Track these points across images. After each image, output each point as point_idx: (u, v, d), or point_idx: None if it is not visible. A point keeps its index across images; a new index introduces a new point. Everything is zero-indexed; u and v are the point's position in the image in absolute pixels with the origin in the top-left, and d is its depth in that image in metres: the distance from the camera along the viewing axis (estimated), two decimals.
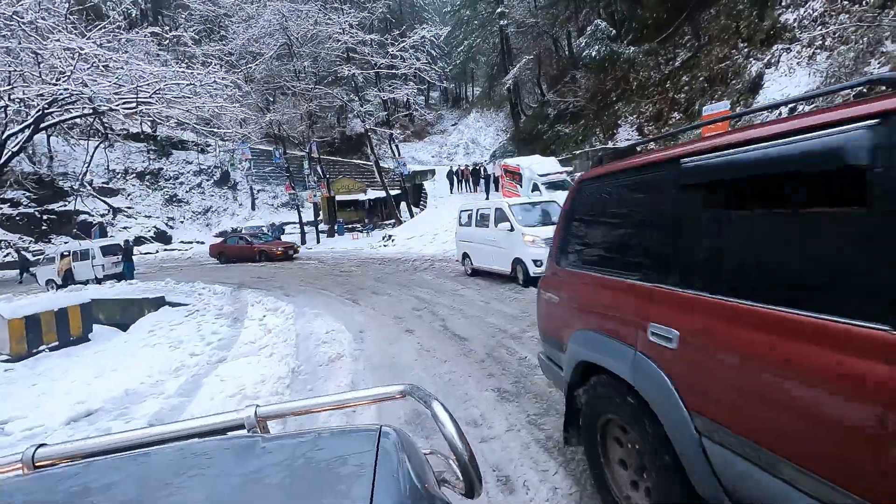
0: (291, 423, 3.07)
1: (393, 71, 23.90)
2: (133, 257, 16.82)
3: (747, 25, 19.14)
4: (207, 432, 0.97)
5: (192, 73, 10.79)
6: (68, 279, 16.79)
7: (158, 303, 12.08)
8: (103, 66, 9.27)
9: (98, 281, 16.65)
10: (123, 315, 12.52)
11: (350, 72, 21.99)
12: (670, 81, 22.98)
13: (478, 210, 11.01)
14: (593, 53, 22.19)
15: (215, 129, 15.50)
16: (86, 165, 16.70)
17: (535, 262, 8.87)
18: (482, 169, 28.15)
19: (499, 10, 29.32)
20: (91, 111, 10.49)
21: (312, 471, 0.78)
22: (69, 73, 8.70)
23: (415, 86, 23.20)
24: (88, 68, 9.29)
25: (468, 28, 33.14)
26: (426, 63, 24.52)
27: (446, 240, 18.93)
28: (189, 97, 11.69)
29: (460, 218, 11.87)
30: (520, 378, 4.42)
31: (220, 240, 23.00)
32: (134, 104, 10.41)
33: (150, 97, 10.72)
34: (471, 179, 27.44)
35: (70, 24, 11.07)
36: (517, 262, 9.28)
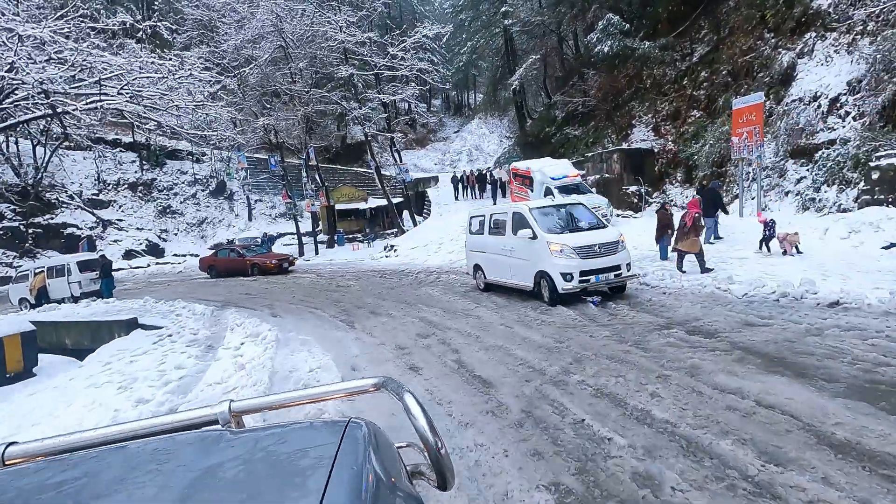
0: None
1: (393, 73, 22.63)
2: (113, 273, 15.42)
3: (774, 14, 17.77)
4: (181, 428, 0.96)
5: (162, 63, 9.43)
6: (42, 297, 15.40)
7: (130, 325, 10.68)
8: (55, 53, 7.93)
9: (74, 299, 15.26)
10: (92, 339, 11.12)
11: (348, 72, 20.71)
12: (688, 78, 21.62)
13: (492, 216, 9.57)
14: (606, 49, 20.86)
15: (206, 133, 14.19)
16: (42, 170, 15.32)
17: (564, 275, 7.40)
18: (488, 174, 26.78)
19: (503, 9, 28.13)
20: (49, 110, 9.12)
21: (271, 464, 0.76)
22: (11, 61, 7.36)
23: (416, 87, 21.85)
24: (36, 54, 7.96)
25: (471, 29, 31.96)
26: (428, 63, 23.24)
27: (452, 249, 17.50)
28: (164, 93, 10.35)
29: (470, 225, 10.43)
30: (585, 463, 2.92)
31: (212, 252, 21.58)
32: (96, 99, 9.05)
33: (118, 92, 9.37)
34: (476, 185, 26.05)
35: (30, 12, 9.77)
36: (542, 275, 7.81)
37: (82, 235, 26.21)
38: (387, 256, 19.84)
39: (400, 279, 13.75)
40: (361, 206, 30.96)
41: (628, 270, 7.82)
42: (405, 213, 27.39)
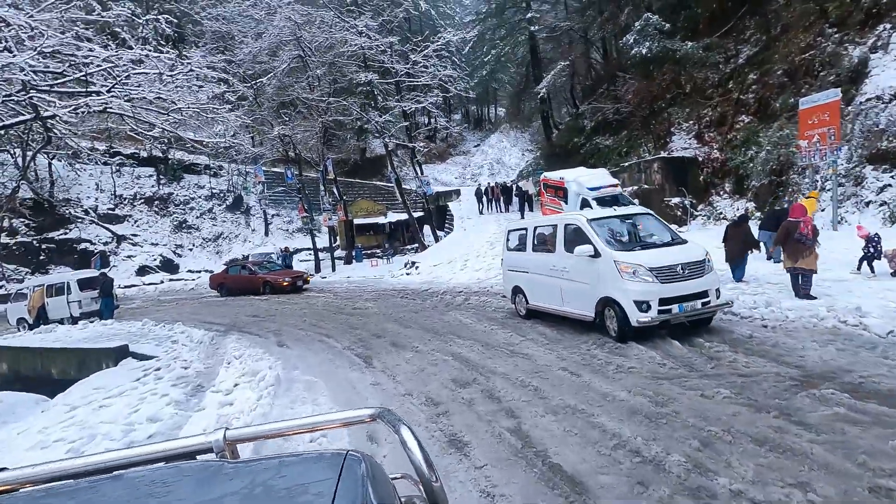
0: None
1: (414, 81, 21.46)
2: (114, 292, 14.29)
3: (837, 7, 16.05)
4: (175, 456, 0.94)
5: (158, 57, 8.25)
6: (41, 318, 14.35)
7: (120, 354, 9.41)
8: (27, 37, 6.79)
9: (73, 320, 14.17)
10: (79, 368, 9.86)
11: (368, 78, 19.59)
12: (734, 81, 19.89)
13: (536, 229, 8.02)
14: (644, 51, 19.32)
15: (215, 140, 13.06)
16: (20, 177, 14.41)
17: (638, 304, 5.79)
18: (514, 186, 25.28)
19: (529, 15, 26.92)
20: (32, 112, 7.99)
21: (271, 500, 0.75)
22: None
23: (439, 93, 20.61)
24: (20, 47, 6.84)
25: (495, 37, 30.81)
26: (452, 69, 22.04)
27: (479, 267, 15.98)
28: (161, 92, 9.17)
29: (508, 240, 8.89)
30: None
31: (222, 269, 20.43)
32: (83, 97, 7.89)
33: (108, 90, 8.21)
34: (502, 198, 24.55)
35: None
36: (606, 303, 6.20)
37: (95, 251, 25.50)
38: (407, 274, 18.40)
39: (423, 300, 12.24)
40: (380, 220, 29.72)
41: (718, 297, 6.16)
42: (426, 228, 26.01)
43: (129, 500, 0.78)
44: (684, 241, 6.57)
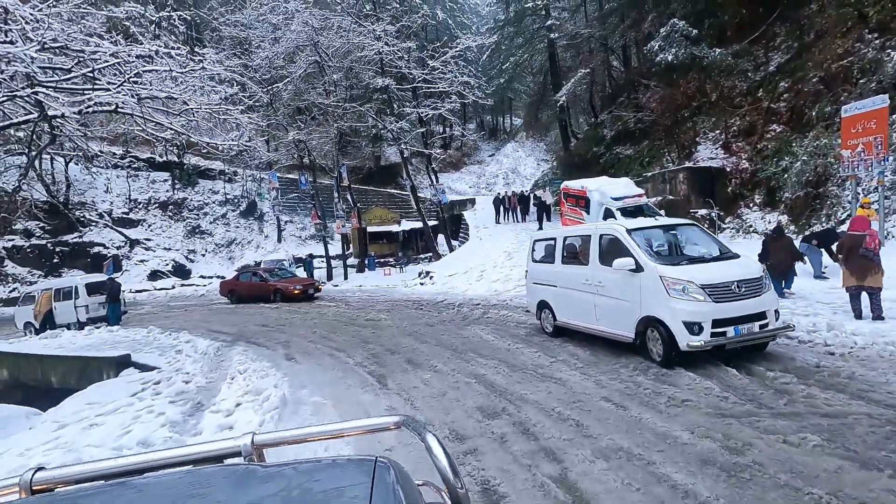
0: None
1: (431, 88, 21.07)
2: (121, 297, 13.93)
3: (879, 11, 15.27)
4: (204, 459, 0.97)
5: (168, 54, 7.85)
6: (47, 322, 14.05)
7: (121, 364, 8.97)
8: (31, 30, 6.42)
9: (80, 325, 13.83)
10: (80, 377, 9.43)
11: (385, 82, 19.22)
12: (763, 89, 19.13)
13: (566, 239, 7.38)
14: (669, 58, 18.67)
15: (227, 143, 12.76)
16: (21, 177, 14.21)
17: (689, 325, 5.12)
18: (531, 195, 24.65)
19: (549, 22, 26.46)
20: (37, 110, 7.64)
21: (309, 503, 0.77)
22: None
23: (457, 99, 20.14)
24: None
25: (512, 44, 30.39)
26: (470, 75, 21.61)
27: (497, 278, 15.35)
28: (174, 93, 8.80)
29: (534, 251, 8.27)
30: None
31: (233, 276, 20.06)
32: (88, 93, 7.52)
33: (116, 88, 7.84)
34: (519, 208, 23.91)
35: None
36: (650, 323, 5.54)
37: (108, 255, 25.38)
38: (421, 283, 17.82)
39: (440, 312, 11.63)
40: (394, 228, 29.27)
41: (777, 319, 5.46)
42: (440, 237, 25.46)
43: (169, 500, 0.79)
44: (736, 255, 5.88)
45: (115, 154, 30.33)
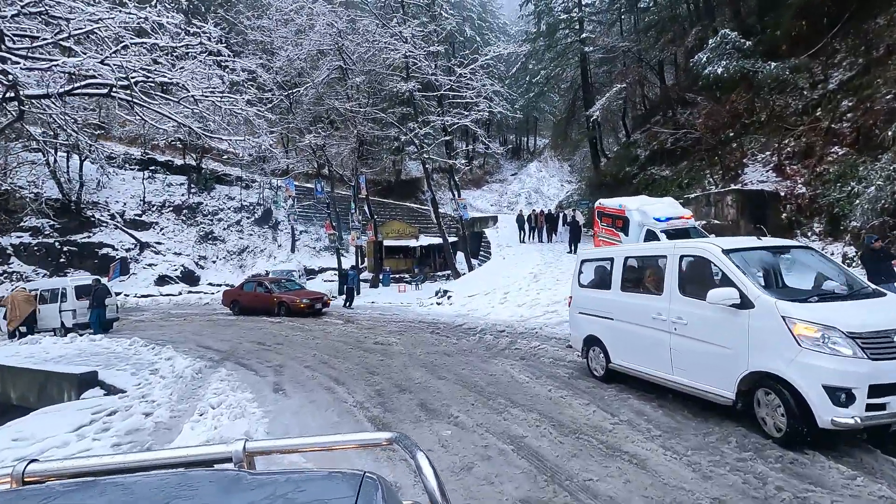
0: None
1: (458, 94, 19.91)
2: (111, 301, 12.74)
3: None
4: (195, 462, 0.97)
5: (159, 22, 6.67)
6: (25, 326, 12.91)
7: (84, 383, 7.68)
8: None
9: (65, 331, 12.67)
10: (39, 395, 8.13)
11: (410, 86, 18.10)
12: (822, 108, 17.44)
13: (627, 260, 5.84)
14: (719, 70, 17.16)
15: (246, 140, 11.66)
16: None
17: (832, 392, 3.51)
18: (559, 214, 23.10)
19: (583, 35, 25.27)
20: (7, 83, 6.51)
21: None
22: None
23: (487, 108, 18.89)
24: None
25: (543, 57, 29.26)
26: (500, 87, 20.42)
27: (522, 302, 13.77)
28: (166, 74, 7.65)
29: (580, 273, 6.74)
30: None
31: (237, 285, 18.82)
32: (65, 65, 6.38)
33: (100, 60, 6.70)
34: (546, 227, 22.34)
35: None
36: (763, 382, 3.94)
37: (117, 257, 24.57)
38: (438, 303, 16.32)
39: (459, 339, 10.09)
40: (412, 243, 27.94)
41: None
42: (459, 255, 24.00)
43: (157, 499, 0.80)
44: (882, 293, 4.26)
45: (132, 155, 30.00)
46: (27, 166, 22.19)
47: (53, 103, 8.78)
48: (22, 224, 22.92)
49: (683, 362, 4.76)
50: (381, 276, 24.16)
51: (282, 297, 15.72)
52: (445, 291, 17.12)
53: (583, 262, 6.79)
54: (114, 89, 8.43)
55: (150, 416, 5.75)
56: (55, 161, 23.94)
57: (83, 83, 8.45)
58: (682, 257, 4.95)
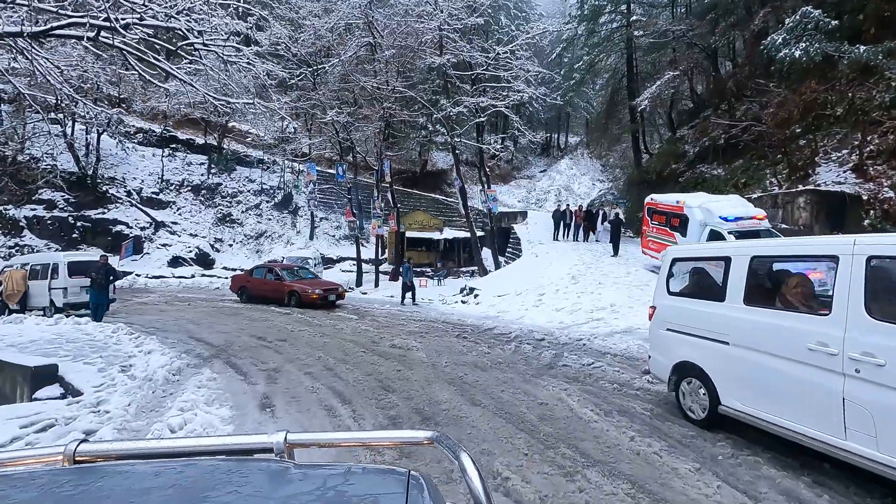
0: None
1: (495, 73, 18.15)
2: (113, 284, 11.43)
3: None
4: (237, 451, 0.97)
5: None
6: (17, 305, 11.80)
7: (41, 378, 6.36)
8: None
9: (54, 310, 11.51)
10: None
11: (442, 59, 16.42)
12: None
13: (753, 260, 4.10)
14: (797, 53, 14.95)
15: (242, 100, 10.27)
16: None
17: None
18: (601, 211, 21.18)
19: (633, 18, 23.17)
20: None
21: None
22: None
23: (526, 89, 17.08)
24: None
25: (586, 43, 27.16)
26: (539, 69, 18.60)
27: (561, 306, 12.03)
28: (157, 11, 6.21)
29: (670, 275, 5.01)
30: None
31: (247, 271, 17.52)
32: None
33: None
34: (583, 224, 20.45)
35: None
36: None
37: (130, 235, 23.71)
38: (463, 301, 14.71)
39: (491, 347, 8.44)
40: (435, 235, 26.35)
41: None
42: (485, 251, 22.31)
43: (209, 484, 0.80)
44: None
45: (154, 132, 29.23)
46: (43, 137, 21.38)
47: (35, 49, 7.48)
48: (36, 196, 22.20)
49: (872, 425, 3.02)
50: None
51: (293, 286, 14.33)
52: (472, 289, 15.50)
53: (674, 259, 5.05)
54: (102, 33, 7.09)
55: (89, 437, 4.30)
56: (72, 133, 23.15)
57: (63, 23, 7.13)
58: (870, 259, 3.19)
